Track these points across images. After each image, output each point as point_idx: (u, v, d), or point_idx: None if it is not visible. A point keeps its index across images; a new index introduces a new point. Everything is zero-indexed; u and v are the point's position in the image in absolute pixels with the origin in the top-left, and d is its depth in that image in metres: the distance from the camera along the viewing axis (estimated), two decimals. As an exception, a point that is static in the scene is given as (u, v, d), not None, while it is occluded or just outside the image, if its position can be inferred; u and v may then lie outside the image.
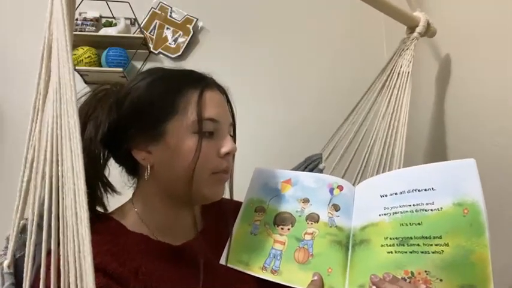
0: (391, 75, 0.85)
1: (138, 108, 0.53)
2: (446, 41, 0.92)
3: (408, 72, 0.83)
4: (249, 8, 1.40)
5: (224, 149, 0.55)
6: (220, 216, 0.65)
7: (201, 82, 0.56)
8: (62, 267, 0.29)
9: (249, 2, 1.40)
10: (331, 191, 0.60)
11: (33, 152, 0.30)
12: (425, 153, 1.02)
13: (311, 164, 0.90)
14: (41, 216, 0.31)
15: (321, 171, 0.89)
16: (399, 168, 0.80)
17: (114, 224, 0.54)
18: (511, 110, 0.69)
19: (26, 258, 0.30)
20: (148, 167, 0.54)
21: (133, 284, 0.47)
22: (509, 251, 0.65)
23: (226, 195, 0.63)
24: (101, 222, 0.53)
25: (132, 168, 0.59)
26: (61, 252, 0.30)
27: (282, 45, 1.40)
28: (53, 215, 0.29)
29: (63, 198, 0.30)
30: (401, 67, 0.84)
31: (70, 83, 0.29)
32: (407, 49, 0.84)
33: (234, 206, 0.67)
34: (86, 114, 0.53)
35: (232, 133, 0.61)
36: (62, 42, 0.30)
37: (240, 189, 0.68)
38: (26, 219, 0.35)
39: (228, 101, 0.62)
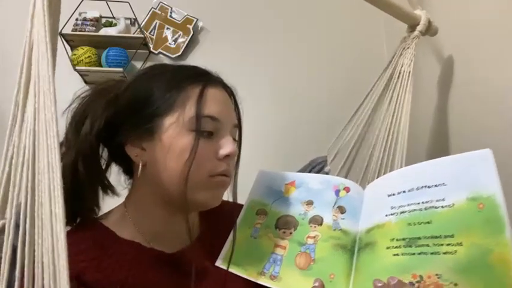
0: (393, 75, 0.83)
1: (134, 102, 0.51)
2: (449, 40, 0.91)
3: (409, 72, 0.82)
4: (249, 8, 1.40)
5: (223, 151, 0.51)
6: (221, 220, 0.61)
7: (204, 77, 0.53)
8: (36, 267, 0.28)
9: (249, 2, 1.40)
10: (337, 192, 0.57)
11: (13, 148, 0.30)
12: (428, 154, 1.01)
13: (316, 167, 0.88)
14: (19, 215, 0.30)
15: (326, 174, 0.88)
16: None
17: (103, 231, 0.51)
18: None
19: (2, 258, 0.29)
20: (140, 165, 0.51)
21: None
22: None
23: (227, 198, 0.60)
24: (88, 230, 0.50)
25: (127, 167, 0.57)
26: (36, 252, 0.29)
27: (282, 45, 1.39)
28: (27, 213, 0.28)
29: (38, 196, 0.29)
30: (402, 66, 0.82)
31: (48, 73, 0.29)
32: (408, 48, 0.83)
33: (237, 209, 0.64)
34: (85, 110, 0.51)
35: (236, 137, 0.57)
36: (41, 33, 0.29)
37: (239, 192, 0.66)
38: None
39: (236, 103, 0.58)
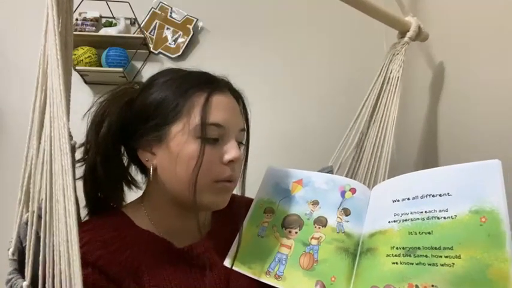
0: (384, 80, 0.85)
1: (146, 109, 0.53)
2: (441, 47, 0.92)
3: (398, 77, 0.82)
4: (249, 8, 1.41)
5: (228, 156, 0.53)
6: (231, 215, 0.62)
7: (211, 85, 0.54)
8: (55, 255, 0.32)
9: (249, 2, 1.41)
10: (343, 193, 0.57)
11: (33, 150, 0.32)
12: (418, 158, 1.02)
13: None
14: (40, 209, 0.34)
15: None
16: (385, 174, 0.78)
17: (122, 218, 0.54)
18: (505, 115, 0.68)
19: (27, 247, 0.33)
20: (151, 168, 0.54)
21: (131, 282, 0.47)
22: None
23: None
24: (109, 216, 0.54)
25: (142, 168, 0.60)
26: (52, 242, 0.33)
27: (282, 46, 1.40)
28: (47, 208, 0.32)
29: (55, 194, 0.32)
30: (391, 72, 0.83)
31: (59, 87, 0.31)
32: (397, 54, 0.83)
33: (246, 204, 0.66)
34: (104, 112, 0.54)
35: (243, 140, 0.59)
36: (53, 50, 0.31)
37: (250, 187, 0.66)
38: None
39: (244, 107, 0.60)
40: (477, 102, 0.76)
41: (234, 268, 0.57)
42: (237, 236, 0.60)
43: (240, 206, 0.62)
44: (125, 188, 0.60)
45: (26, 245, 0.34)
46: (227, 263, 0.58)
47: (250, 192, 0.67)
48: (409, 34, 0.83)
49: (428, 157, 0.96)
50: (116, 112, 0.54)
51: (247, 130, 0.60)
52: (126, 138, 0.55)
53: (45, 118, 0.33)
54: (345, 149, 0.86)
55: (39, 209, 0.33)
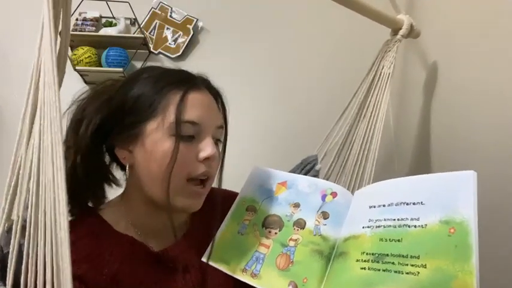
0: (375, 76, 0.86)
1: (123, 106, 0.53)
2: (435, 45, 0.93)
3: (389, 74, 0.83)
4: (249, 9, 1.40)
5: (203, 154, 0.53)
6: (210, 212, 0.61)
7: (187, 83, 0.54)
8: (37, 268, 0.32)
9: (249, 2, 1.40)
10: (323, 197, 0.58)
11: (20, 160, 0.32)
12: (412, 157, 1.02)
13: (307, 166, 0.90)
14: (24, 220, 0.34)
15: (317, 172, 0.89)
16: (371, 171, 0.79)
17: (101, 224, 0.54)
18: (498, 115, 0.68)
19: (9, 256, 0.33)
20: (128, 166, 0.54)
21: None
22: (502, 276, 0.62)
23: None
24: (85, 221, 0.53)
25: (122, 166, 0.60)
26: (38, 253, 0.33)
27: (281, 46, 1.39)
28: (32, 219, 0.32)
29: (42, 205, 0.32)
30: (382, 68, 0.85)
31: (55, 103, 0.31)
32: (389, 51, 0.85)
33: (226, 197, 0.65)
34: (82, 112, 0.54)
35: (221, 138, 0.59)
36: (48, 65, 0.30)
37: (235, 187, 0.68)
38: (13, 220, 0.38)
39: (222, 104, 0.60)
40: (469, 100, 0.77)
41: (210, 263, 0.57)
42: (215, 231, 0.61)
43: (219, 202, 0.61)
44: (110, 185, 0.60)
45: (6, 252, 0.34)
46: (205, 258, 0.58)
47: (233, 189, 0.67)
48: (401, 32, 0.84)
49: (423, 155, 0.97)
50: (95, 110, 0.53)
51: (225, 127, 0.59)
52: (104, 136, 0.55)
53: (33, 129, 0.33)
54: (330, 139, 0.88)
55: (24, 220, 0.33)
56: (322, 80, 1.39)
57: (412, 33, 0.86)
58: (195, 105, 0.53)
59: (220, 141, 0.59)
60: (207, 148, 0.53)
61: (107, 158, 0.60)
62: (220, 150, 0.59)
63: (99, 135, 0.54)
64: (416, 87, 1.01)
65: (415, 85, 1.02)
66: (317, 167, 0.89)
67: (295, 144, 1.34)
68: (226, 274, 0.56)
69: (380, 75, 0.84)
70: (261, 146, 1.33)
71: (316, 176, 0.86)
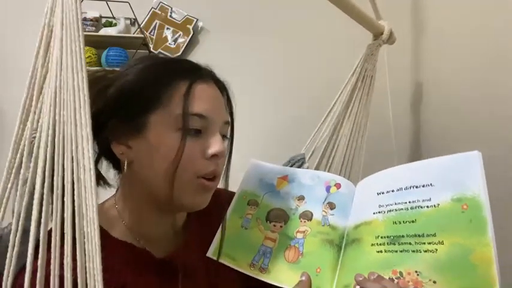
0: (358, 78, 0.90)
1: (121, 96, 0.48)
2: (435, 45, 0.95)
3: (372, 76, 0.89)
4: (249, 9, 1.40)
5: (211, 150, 0.48)
6: (214, 210, 0.57)
7: (194, 73, 0.50)
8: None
9: (249, 2, 1.40)
10: (328, 188, 0.58)
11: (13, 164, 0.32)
12: (413, 160, 1.04)
13: (295, 164, 0.90)
14: (24, 231, 0.33)
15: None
16: (359, 170, 0.82)
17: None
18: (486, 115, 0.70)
19: (6, 267, 0.32)
20: (126, 163, 0.48)
21: None
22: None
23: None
24: None
25: (115, 163, 0.55)
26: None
27: (281, 46, 1.40)
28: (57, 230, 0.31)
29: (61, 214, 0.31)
30: (366, 71, 0.89)
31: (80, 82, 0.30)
32: (371, 54, 0.89)
33: (228, 198, 0.63)
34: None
35: (228, 134, 0.55)
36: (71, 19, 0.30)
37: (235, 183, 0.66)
38: (2, 228, 0.36)
39: (228, 98, 0.55)
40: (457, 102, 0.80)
41: (220, 260, 0.55)
42: (221, 227, 0.58)
43: (221, 200, 0.58)
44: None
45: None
46: (211, 254, 0.56)
47: (234, 188, 0.65)
48: (383, 37, 0.89)
49: (423, 152, 0.99)
50: (89, 100, 0.48)
51: (232, 123, 0.55)
52: (97, 129, 0.48)
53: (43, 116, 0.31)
54: (317, 138, 0.90)
55: (24, 231, 0.32)
56: (325, 79, 1.37)
57: (391, 39, 0.91)
58: (202, 97, 0.49)
59: (227, 137, 0.54)
60: (216, 144, 0.49)
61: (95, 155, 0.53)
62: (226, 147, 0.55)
63: (93, 128, 0.50)
64: (416, 87, 1.03)
65: (415, 85, 1.04)
66: (305, 166, 0.89)
67: (296, 144, 1.33)
68: (234, 277, 0.54)
69: (364, 77, 0.89)
70: (260, 146, 1.33)
71: None
